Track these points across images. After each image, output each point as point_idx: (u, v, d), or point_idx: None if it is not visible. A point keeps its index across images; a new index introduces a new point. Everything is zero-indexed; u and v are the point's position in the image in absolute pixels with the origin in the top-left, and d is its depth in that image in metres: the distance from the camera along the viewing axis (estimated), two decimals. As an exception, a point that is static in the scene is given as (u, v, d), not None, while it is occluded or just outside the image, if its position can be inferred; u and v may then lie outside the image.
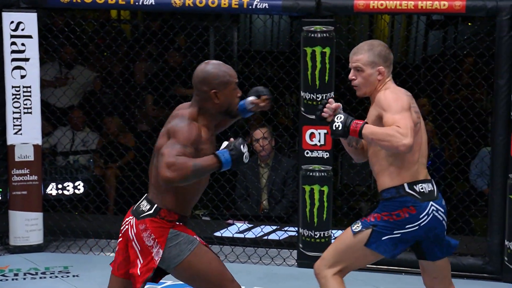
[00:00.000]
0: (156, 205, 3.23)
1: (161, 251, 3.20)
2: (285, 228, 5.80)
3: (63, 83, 6.78)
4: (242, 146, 3.08)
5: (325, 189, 5.18)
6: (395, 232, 3.35)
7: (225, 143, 3.15)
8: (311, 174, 5.17)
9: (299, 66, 5.18)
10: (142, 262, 3.24)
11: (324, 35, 5.05)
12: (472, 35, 6.15)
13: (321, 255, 4.92)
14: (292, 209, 5.99)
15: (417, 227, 3.35)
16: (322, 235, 5.19)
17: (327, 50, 5.06)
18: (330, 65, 5.08)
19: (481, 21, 6.20)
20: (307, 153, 5.19)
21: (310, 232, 5.21)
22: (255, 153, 6.07)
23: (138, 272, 3.23)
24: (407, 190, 3.35)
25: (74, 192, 6.23)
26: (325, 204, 5.19)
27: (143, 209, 3.27)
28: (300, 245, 5.25)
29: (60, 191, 6.24)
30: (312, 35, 5.06)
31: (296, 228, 5.36)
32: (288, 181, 6.03)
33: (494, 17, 4.88)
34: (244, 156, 3.10)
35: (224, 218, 6.01)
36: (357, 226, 3.43)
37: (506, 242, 4.93)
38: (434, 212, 3.36)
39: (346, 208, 6.00)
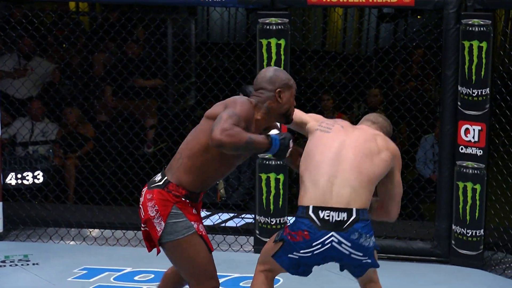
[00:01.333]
0: (166, 178, 3.31)
1: (163, 223, 3.26)
2: (242, 215, 5.91)
3: (21, 74, 6.79)
4: (290, 141, 3.20)
5: (281, 177, 5.29)
6: (294, 253, 3.21)
7: (275, 131, 3.26)
8: (267, 162, 5.29)
9: (255, 58, 5.27)
10: (147, 228, 3.33)
11: (279, 27, 5.15)
12: (421, 27, 6.32)
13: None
14: (248, 197, 6.11)
15: (310, 254, 3.18)
16: (278, 222, 5.31)
17: (282, 41, 5.16)
18: (285, 56, 5.17)
19: (429, 14, 6.37)
20: (263, 142, 5.29)
21: (266, 219, 5.33)
22: None
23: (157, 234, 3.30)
24: (310, 212, 3.17)
25: (33, 181, 6.26)
26: (281, 191, 5.30)
27: (155, 179, 3.35)
28: (257, 232, 5.37)
29: (19, 181, 6.26)
30: (268, 27, 5.15)
31: (253, 215, 5.46)
32: (243, 168, 6.13)
33: (442, 10, 5.03)
34: (289, 151, 3.21)
35: (182, 206, 6.09)
36: (277, 234, 3.31)
37: (453, 227, 5.10)
38: (334, 243, 3.15)
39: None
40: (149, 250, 3.46)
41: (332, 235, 3.14)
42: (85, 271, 4.98)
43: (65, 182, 6.49)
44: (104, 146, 6.12)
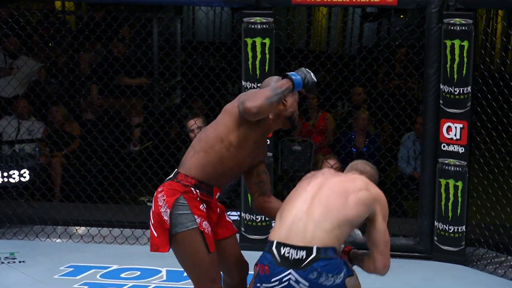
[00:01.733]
0: (176, 170, 3.35)
1: (168, 210, 3.25)
2: (228, 213, 5.92)
3: (8, 73, 6.80)
4: (307, 70, 3.29)
5: (266, 175, 5.33)
6: (259, 284, 3.18)
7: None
8: (252, 160, 5.32)
9: (240, 56, 5.30)
10: (153, 222, 3.31)
11: (264, 26, 5.18)
12: (404, 27, 6.39)
13: (262, 238, 5.16)
14: (234, 194, 6.15)
15: None
16: (263, 219, 5.34)
17: (267, 41, 5.20)
18: (270, 55, 5.21)
19: (412, 13, 6.43)
20: (248, 140, 5.33)
21: (251, 216, 5.36)
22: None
23: (155, 233, 3.29)
24: (273, 248, 3.14)
25: (19, 180, 6.26)
26: (266, 189, 5.34)
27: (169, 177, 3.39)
28: (242, 229, 5.40)
29: (5, 179, 6.27)
30: (253, 26, 5.19)
31: (238, 213, 5.50)
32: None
33: (424, 9, 5.08)
34: (312, 75, 3.28)
35: (168, 204, 6.12)
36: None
37: (436, 223, 5.16)
38: (291, 281, 3.09)
39: (286, 193, 6.18)
40: (152, 250, 3.38)
41: (290, 273, 3.09)
42: (71, 269, 5.00)
43: (51, 180, 6.51)
44: (90, 145, 6.15)
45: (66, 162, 6.66)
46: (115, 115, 6.43)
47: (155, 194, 3.35)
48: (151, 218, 3.33)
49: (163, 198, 3.29)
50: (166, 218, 3.26)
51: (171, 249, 3.35)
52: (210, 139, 3.32)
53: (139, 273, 4.93)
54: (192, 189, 3.30)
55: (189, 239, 3.26)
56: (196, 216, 3.27)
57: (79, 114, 6.93)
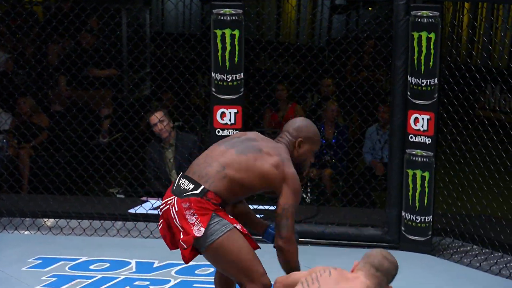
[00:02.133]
0: (203, 187, 3.27)
1: (202, 229, 3.22)
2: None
3: (-26, 64, 6.75)
4: None
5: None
6: None
7: None
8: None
9: (209, 48, 5.28)
10: (183, 237, 3.27)
11: (233, 18, 5.18)
12: (372, 19, 6.43)
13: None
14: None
15: None
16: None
17: (236, 32, 5.19)
18: (240, 47, 5.20)
19: (380, 5, 6.48)
20: (218, 131, 5.34)
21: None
22: (158, 136, 6.17)
23: (184, 245, 3.28)
24: None
25: (-13, 172, 6.24)
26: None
27: (186, 187, 3.30)
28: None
29: (-27, 171, 6.23)
30: (222, 18, 5.19)
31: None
32: (193, 156, 6.19)
33: (392, 2, 5.11)
34: None
35: (138, 196, 6.13)
36: None
37: (403, 213, 5.22)
38: None
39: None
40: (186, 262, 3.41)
41: None
42: (40, 261, 4.98)
43: (19, 172, 6.46)
44: (59, 136, 6.11)
45: (34, 154, 6.63)
46: (84, 106, 6.41)
47: (176, 208, 3.29)
48: (180, 233, 3.28)
49: (195, 216, 3.25)
50: (198, 234, 3.23)
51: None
52: (243, 174, 3.31)
53: (108, 264, 4.92)
54: (220, 207, 3.30)
55: (231, 239, 3.26)
56: (235, 224, 3.30)
57: (47, 105, 6.89)
